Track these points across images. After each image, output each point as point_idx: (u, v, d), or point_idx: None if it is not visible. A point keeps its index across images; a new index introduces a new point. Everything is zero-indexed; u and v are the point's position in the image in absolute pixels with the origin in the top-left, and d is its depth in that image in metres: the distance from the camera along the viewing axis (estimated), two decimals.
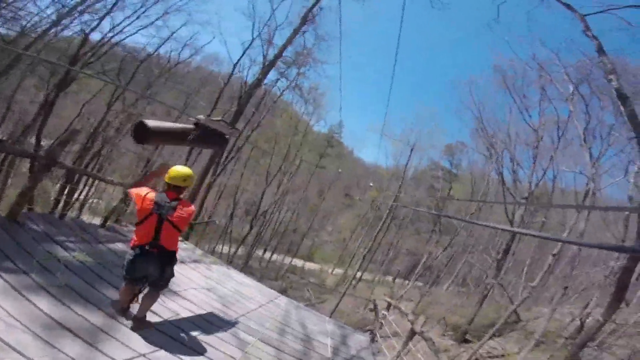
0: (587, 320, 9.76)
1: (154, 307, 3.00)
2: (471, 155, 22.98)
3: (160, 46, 16.12)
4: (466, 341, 13.75)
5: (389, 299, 7.05)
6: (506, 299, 14.68)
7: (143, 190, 2.73)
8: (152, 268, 2.70)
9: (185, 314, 3.63)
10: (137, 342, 2.64)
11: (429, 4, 11.16)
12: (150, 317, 3.01)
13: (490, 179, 20.75)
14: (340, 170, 35.61)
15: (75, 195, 13.48)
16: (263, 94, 18.18)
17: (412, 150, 23.67)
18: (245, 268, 19.66)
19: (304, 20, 11.97)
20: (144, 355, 2.52)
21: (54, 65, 12.60)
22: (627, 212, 9.56)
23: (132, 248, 2.70)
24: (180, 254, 3.87)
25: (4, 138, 13.28)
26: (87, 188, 15.77)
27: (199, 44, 19.11)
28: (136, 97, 15.44)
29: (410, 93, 71.44)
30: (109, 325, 2.67)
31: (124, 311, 2.90)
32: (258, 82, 12.99)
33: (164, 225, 2.64)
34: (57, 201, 9.48)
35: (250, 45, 14.73)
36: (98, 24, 13.14)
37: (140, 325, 2.79)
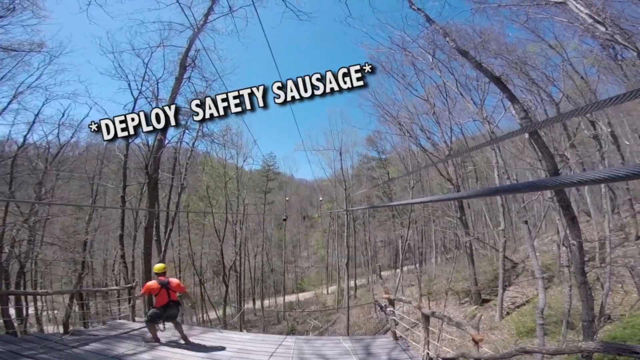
0: (572, 243, 10.33)
1: None
2: (390, 138, 24.83)
3: (29, 132, 13.56)
4: (485, 300, 13.65)
5: (387, 296, 6.89)
6: (490, 249, 15.28)
7: (149, 285, 5.20)
8: (174, 311, 5.21)
9: None
10: None
11: (296, 18, 11.76)
12: None
13: (415, 151, 22.14)
14: (287, 199, 35.24)
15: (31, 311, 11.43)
16: (174, 154, 16.75)
17: (340, 153, 24.83)
18: (244, 324, 18.79)
19: (183, 67, 11.55)
20: None
21: None
22: (527, 137, 10.64)
23: (158, 308, 5.08)
24: (163, 334, 5.50)
25: None
26: (34, 303, 13.05)
27: (76, 119, 17.03)
28: (31, 204, 12.81)
29: (316, 103, 74.33)
30: None
31: (157, 339, 5.19)
32: (160, 143, 11.82)
33: (170, 292, 5.18)
34: (7, 322, 8.03)
35: (134, 106, 13.26)
36: None
37: (189, 342, 5.25)
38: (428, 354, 4.62)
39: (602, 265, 8.59)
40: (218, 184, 24.59)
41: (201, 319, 19.89)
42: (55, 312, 13.78)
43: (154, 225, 12.54)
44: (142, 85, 12.95)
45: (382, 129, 23.95)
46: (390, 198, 27.36)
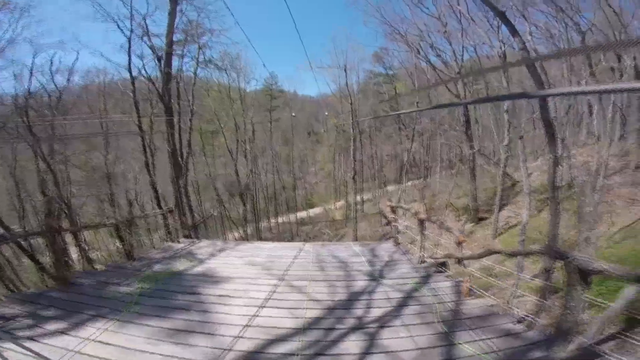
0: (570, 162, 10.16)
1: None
2: (398, 55, 23.88)
3: (29, 83, 14.21)
4: (482, 219, 13.74)
5: (389, 203, 7.76)
6: (493, 165, 15.34)
7: None
8: None
9: (246, 288, 4.40)
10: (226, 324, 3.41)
11: None
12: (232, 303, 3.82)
13: (424, 68, 21.37)
14: (293, 114, 35.38)
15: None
16: (177, 81, 17.23)
17: (345, 70, 24.14)
18: (261, 241, 20.61)
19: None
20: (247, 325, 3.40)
21: None
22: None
23: None
24: (205, 250, 6.00)
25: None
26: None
27: (67, 65, 17.49)
28: (51, 146, 13.96)
29: (322, 18, 67.35)
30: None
31: None
32: (168, 75, 12.73)
33: None
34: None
35: (129, 46, 13.74)
36: None
37: None
38: (421, 255, 5.67)
39: (593, 191, 8.54)
40: (223, 106, 25.01)
41: (225, 238, 22.16)
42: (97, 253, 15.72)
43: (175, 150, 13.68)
44: (131, 24, 12.82)
45: (389, 46, 22.90)
46: (396, 111, 27.28)
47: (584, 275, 2.51)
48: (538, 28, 11.98)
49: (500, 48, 12.38)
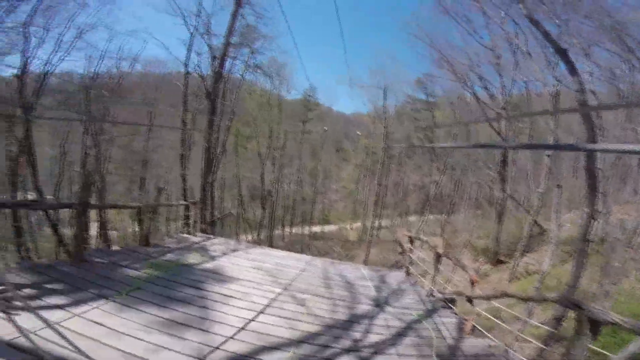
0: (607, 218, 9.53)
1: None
2: (442, 82, 23.57)
3: (99, 65, 15.79)
4: (500, 262, 13.37)
5: (408, 233, 7.59)
6: (522, 211, 14.72)
7: None
8: None
9: (249, 292, 4.40)
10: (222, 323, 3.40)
11: None
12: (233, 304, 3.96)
13: (468, 99, 20.95)
14: (326, 129, 35.79)
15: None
16: (224, 82, 18.26)
17: (384, 92, 24.04)
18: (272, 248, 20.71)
19: (239, 2, 12.01)
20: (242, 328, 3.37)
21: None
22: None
23: None
24: (218, 248, 5.92)
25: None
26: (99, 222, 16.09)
27: (133, 53, 19.09)
28: (100, 125, 15.08)
29: (366, 36, 69.09)
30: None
31: None
32: (219, 75, 13.42)
33: None
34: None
35: (191, 41, 14.76)
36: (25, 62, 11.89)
37: None
38: (431, 289, 5.46)
39: (626, 248, 7.96)
40: (262, 112, 25.94)
41: (238, 239, 22.38)
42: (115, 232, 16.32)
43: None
44: (197, 23, 13.85)
45: (434, 72, 22.74)
46: (431, 142, 26.82)
47: (595, 326, 2.46)
48: (599, 67, 11.26)
49: (554, 87, 11.78)
